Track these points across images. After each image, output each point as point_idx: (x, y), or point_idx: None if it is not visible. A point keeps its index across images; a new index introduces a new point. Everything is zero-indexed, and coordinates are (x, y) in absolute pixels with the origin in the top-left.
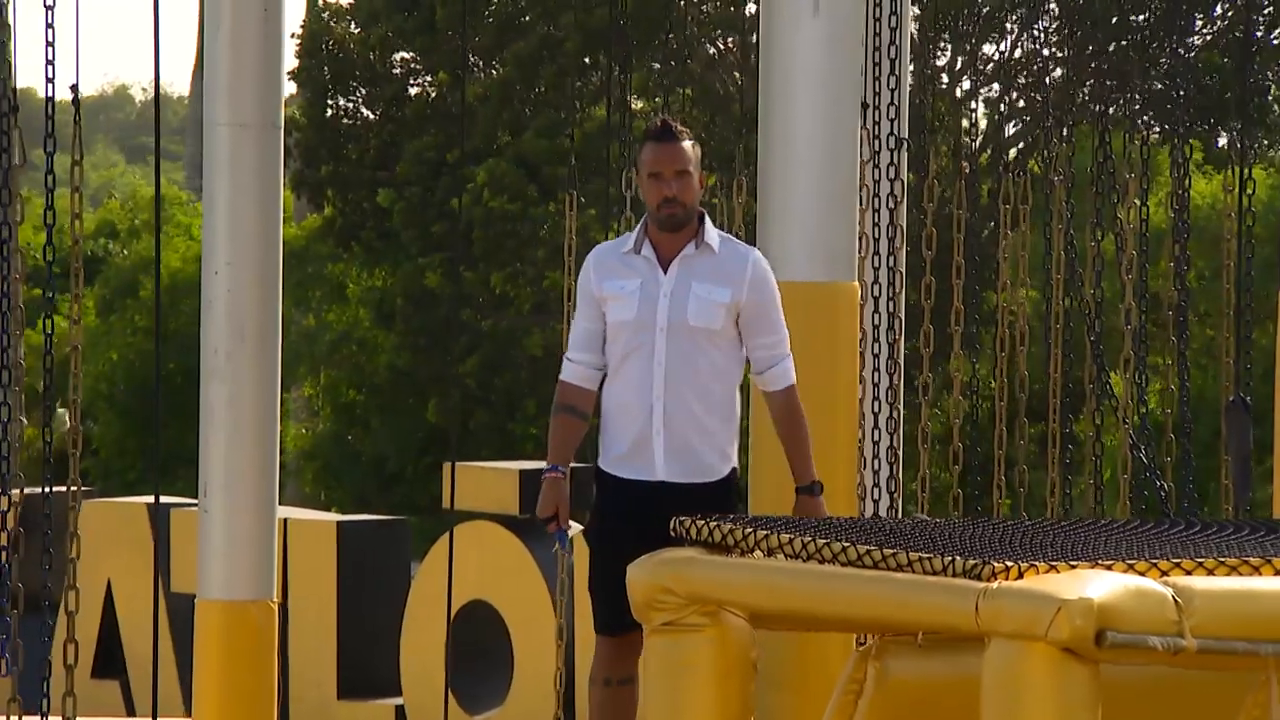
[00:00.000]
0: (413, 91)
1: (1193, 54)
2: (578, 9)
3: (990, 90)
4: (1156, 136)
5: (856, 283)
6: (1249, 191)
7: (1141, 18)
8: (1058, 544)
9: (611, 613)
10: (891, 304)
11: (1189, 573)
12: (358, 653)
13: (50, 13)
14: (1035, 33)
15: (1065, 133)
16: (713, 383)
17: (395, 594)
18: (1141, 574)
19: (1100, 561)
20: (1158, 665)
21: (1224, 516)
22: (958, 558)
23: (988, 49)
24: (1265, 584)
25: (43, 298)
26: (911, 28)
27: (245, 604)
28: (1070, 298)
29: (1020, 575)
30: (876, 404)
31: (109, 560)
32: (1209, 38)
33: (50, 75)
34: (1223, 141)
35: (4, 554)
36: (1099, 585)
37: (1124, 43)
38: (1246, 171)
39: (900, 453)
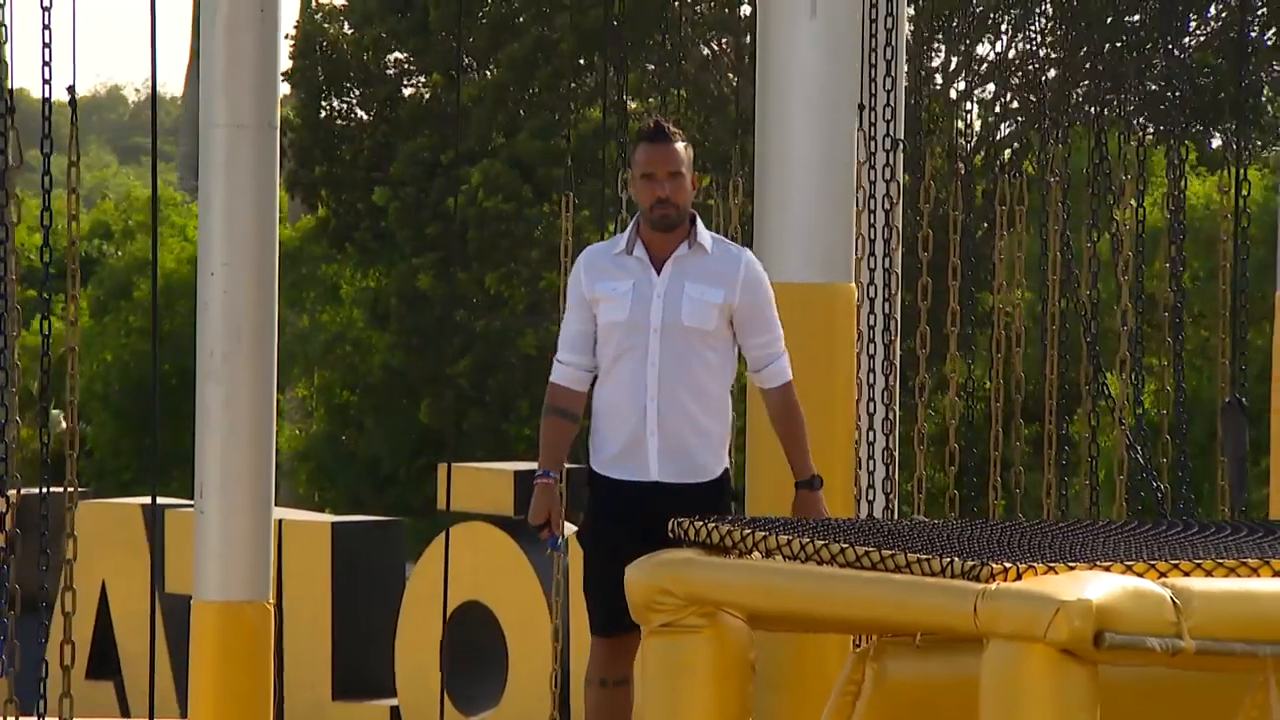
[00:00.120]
0: (407, 92)
1: (1188, 55)
2: (572, 10)
3: (985, 91)
4: (1151, 137)
5: (853, 284)
6: (1244, 192)
7: (1136, 18)
8: (1056, 545)
9: (607, 614)
10: (887, 305)
11: (1187, 574)
12: (352, 654)
13: (47, 14)
14: (1030, 33)
15: (1060, 133)
16: (708, 382)
17: (390, 595)
18: (1140, 575)
19: (1098, 563)
20: (1156, 666)
21: (1220, 517)
22: (956, 559)
23: (982, 50)
24: (1263, 585)
25: (38, 299)
26: (907, 29)
27: (241, 605)
28: (1066, 299)
29: (1019, 576)
30: (872, 405)
31: (104, 561)
32: (1204, 38)
33: (47, 77)
34: (1217, 142)
35: (1, 555)
36: (1097, 586)
37: (1119, 43)
38: (1241, 172)
39: (896, 454)
